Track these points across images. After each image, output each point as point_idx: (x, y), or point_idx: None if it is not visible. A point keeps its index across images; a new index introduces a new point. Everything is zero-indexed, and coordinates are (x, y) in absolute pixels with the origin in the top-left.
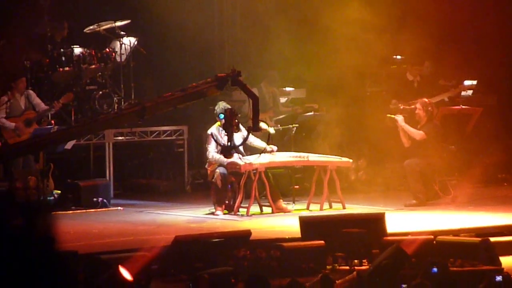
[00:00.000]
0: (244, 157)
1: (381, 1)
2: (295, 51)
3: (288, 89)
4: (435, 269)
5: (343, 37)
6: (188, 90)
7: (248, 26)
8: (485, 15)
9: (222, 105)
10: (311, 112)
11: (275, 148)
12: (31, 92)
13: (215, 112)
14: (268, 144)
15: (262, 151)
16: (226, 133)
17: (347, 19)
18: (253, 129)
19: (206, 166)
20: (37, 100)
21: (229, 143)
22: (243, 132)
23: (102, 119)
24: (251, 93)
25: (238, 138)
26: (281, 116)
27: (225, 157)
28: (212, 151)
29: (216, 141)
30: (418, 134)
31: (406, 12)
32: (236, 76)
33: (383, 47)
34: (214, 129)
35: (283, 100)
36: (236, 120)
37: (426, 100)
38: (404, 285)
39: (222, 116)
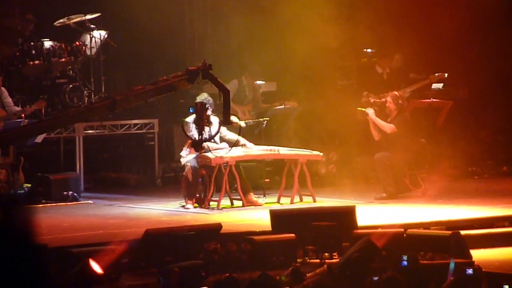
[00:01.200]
0: (214, 151)
1: None
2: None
3: (258, 82)
4: (405, 262)
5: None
6: (158, 84)
7: (219, 19)
8: (456, 8)
9: (203, 97)
10: (281, 105)
11: (248, 144)
12: (3, 89)
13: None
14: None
15: (234, 144)
16: (196, 127)
17: (321, 13)
18: (224, 122)
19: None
20: (8, 99)
21: (200, 137)
22: (215, 124)
23: (72, 113)
24: (222, 86)
25: (214, 128)
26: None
27: (196, 151)
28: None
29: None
30: (388, 127)
31: (378, 5)
32: (207, 69)
33: (353, 40)
34: (191, 118)
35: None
36: (208, 114)
37: (396, 93)
38: (375, 278)
39: (191, 109)
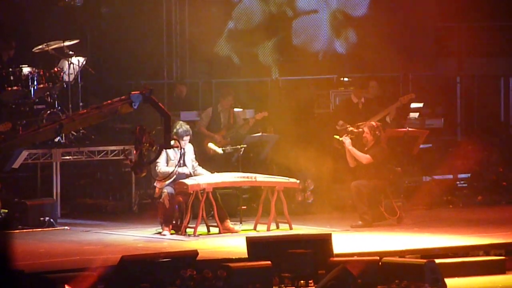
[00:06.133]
0: (191, 177)
1: None
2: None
3: (236, 110)
4: None
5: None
6: (103, 108)
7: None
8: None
9: (183, 128)
10: (259, 133)
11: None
12: None
13: (174, 132)
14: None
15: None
16: (135, 151)
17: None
18: (164, 146)
19: (155, 183)
20: None
21: (139, 160)
22: (190, 150)
23: (21, 136)
24: (162, 111)
25: (188, 156)
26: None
27: (135, 174)
28: (162, 165)
29: (167, 155)
30: (364, 158)
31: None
32: (149, 94)
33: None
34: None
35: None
36: (148, 137)
37: (373, 124)
38: None
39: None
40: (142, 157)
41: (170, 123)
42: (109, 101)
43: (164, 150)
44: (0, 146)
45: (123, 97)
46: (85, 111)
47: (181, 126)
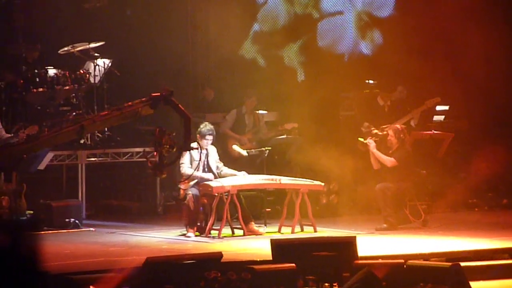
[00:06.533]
0: (216, 179)
1: None
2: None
3: (261, 112)
4: None
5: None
6: (123, 109)
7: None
8: (458, 41)
9: (207, 128)
10: (283, 135)
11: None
12: None
13: (198, 131)
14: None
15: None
16: (155, 151)
17: None
18: (183, 148)
19: (180, 185)
20: None
21: (162, 161)
22: (213, 151)
23: (43, 137)
24: (183, 112)
25: (212, 157)
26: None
27: (154, 175)
28: (186, 166)
29: (191, 156)
30: (389, 161)
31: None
32: (169, 96)
33: (357, 71)
34: (195, 145)
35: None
36: (168, 139)
37: (398, 126)
38: None
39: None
40: (162, 159)
41: (190, 125)
42: (129, 103)
43: (188, 151)
44: (22, 148)
45: (143, 99)
46: (106, 112)
47: (205, 126)
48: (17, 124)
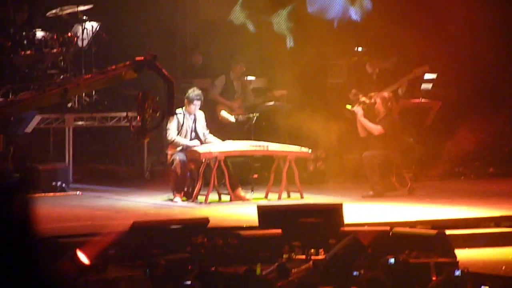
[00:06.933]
0: (203, 144)
1: None
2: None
3: (249, 78)
4: (391, 260)
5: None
6: (107, 73)
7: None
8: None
9: (195, 93)
10: (272, 102)
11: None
12: None
13: (186, 95)
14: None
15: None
16: (138, 115)
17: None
18: (167, 113)
19: (167, 150)
20: None
21: (142, 125)
22: (201, 117)
23: (26, 100)
24: (166, 77)
25: (199, 123)
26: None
27: (137, 139)
28: (173, 132)
29: (178, 122)
30: (376, 129)
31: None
32: (152, 60)
33: (346, 38)
34: (181, 110)
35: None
36: (151, 103)
37: (385, 94)
38: (355, 273)
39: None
40: (145, 123)
41: (173, 89)
42: (113, 67)
43: (175, 117)
44: (5, 110)
45: (127, 62)
46: (89, 76)
47: (194, 91)
48: (4, 87)
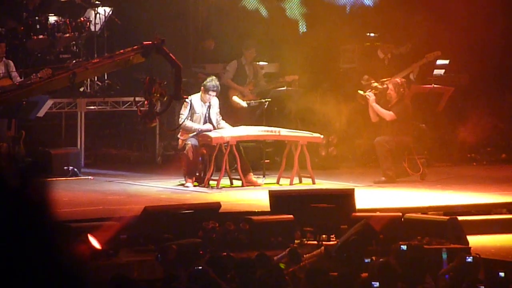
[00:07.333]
0: (215, 130)
1: None
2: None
3: (261, 63)
4: (404, 247)
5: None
6: (115, 57)
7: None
8: None
9: (213, 83)
10: (283, 87)
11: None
12: (11, 62)
13: (203, 84)
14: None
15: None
16: (145, 100)
17: None
18: (174, 97)
19: (178, 135)
20: (15, 72)
21: (150, 110)
22: (216, 104)
23: (35, 84)
24: (173, 62)
25: (213, 109)
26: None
27: (145, 124)
28: (185, 118)
29: (191, 108)
30: (388, 115)
31: None
32: (160, 45)
33: (359, 23)
34: (194, 97)
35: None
36: (158, 88)
37: (398, 80)
38: (367, 260)
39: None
40: (152, 108)
41: (180, 74)
42: (121, 51)
43: (189, 103)
44: (16, 93)
45: (135, 47)
46: (98, 60)
47: (212, 81)
48: (18, 71)
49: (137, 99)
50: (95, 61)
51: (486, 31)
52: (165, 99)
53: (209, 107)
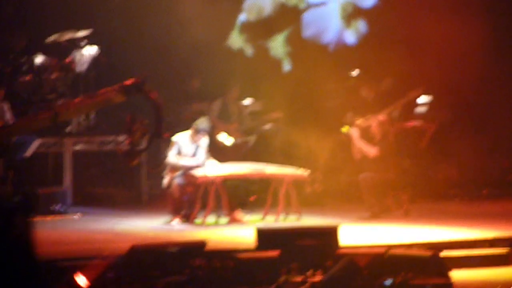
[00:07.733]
0: (201, 168)
1: None
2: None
3: (246, 101)
4: (387, 282)
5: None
6: (96, 97)
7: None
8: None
9: (203, 125)
10: (268, 124)
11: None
12: (6, 105)
13: (194, 123)
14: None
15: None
16: (126, 138)
17: None
18: (155, 135)
19: (166, 173)
20: (10, 114)
21: (133, 148)
22: (204, 143)
23: (17, 124)
24: (154, 102)
25: (202, 149)
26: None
27: (126, 162)
28: (172, 156)
29: (179, 148)
30: (372, 151)
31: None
32: (141, 85)
33: (342, 62)
34: (180, 136)
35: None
36: (139, 126)
37: (381, 118)
38: None
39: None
40: (134, 146)
41: (162, 113)
42: (102, 90)
43: (177, 142)
44: None
45: (116, 86)
46: (79, 99)
47: (203, 123)
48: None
49: (121, 138)
50: (76, 101)
51: (463, 67)
52: (145, 137)
53: (197, 146)
